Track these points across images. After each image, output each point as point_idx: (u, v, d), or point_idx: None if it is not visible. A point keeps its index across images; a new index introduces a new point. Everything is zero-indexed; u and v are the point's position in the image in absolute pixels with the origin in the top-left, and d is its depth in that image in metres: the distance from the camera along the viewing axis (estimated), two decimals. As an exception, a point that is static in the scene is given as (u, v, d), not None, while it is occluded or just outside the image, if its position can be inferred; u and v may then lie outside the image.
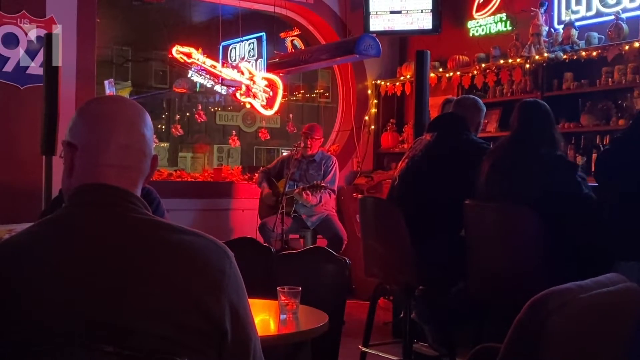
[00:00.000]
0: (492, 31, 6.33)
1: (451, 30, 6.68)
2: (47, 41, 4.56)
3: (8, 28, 5.42)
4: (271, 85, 6.45)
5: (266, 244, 4.00)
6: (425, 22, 6.57)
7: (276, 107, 6.52)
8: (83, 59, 5.75)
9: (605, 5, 5.47)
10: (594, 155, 5.09)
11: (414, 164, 3.94)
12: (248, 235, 3.43)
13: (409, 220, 3.64)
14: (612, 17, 5.31)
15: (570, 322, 1.45)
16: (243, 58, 6.49)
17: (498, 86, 6.17)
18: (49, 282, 1.26)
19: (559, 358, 1.45)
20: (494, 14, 6.33)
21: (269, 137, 7.83)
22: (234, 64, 6.49)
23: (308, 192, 5.70)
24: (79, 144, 1.40)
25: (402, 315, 4.04)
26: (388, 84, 7.20)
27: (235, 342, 1.32)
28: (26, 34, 5.44)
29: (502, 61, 6.04)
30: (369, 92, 7.38)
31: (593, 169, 4.46)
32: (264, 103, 6.46)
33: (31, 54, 5.45)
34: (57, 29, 4.97)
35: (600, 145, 5.25)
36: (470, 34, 6.52)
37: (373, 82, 7.37)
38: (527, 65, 5.78)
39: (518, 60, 5.86)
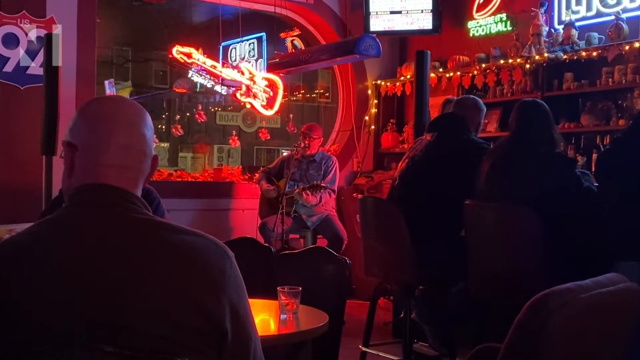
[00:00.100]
0: (492, 31, 6.33)
1: (451, 31, 6.68)
2: (47, 41, 4.56)
3: (8, 28, 5.42)
4: (271, 85, 6.45)
5: (266, 244, 4.00)
6: (425, 22, 6.57)
7: (276, 107, 6.52)
8: (83, 59, 5.76)
9: (605, 5, 5.47)
10: (594, 155, 5.10)
11: (414, 164, 3.94)
12: (248, 235, 3.43)
13: (409, 220, 3.64)
14: (612, 17, 5.31)
15: (570, 322, 1.45)
16: (243, 58, 6.49)
17: (498, 86, 6.17)
18: (49, 282, 1.26)
19: (559, 358, 1.45)
20: (494, 14, 6.33)
21: (269, 137, 7.83)
22: (234, 64, 6.49)
23: (308, 192, 5.70)
24: (79, 144, 1.40)
25: (402, 315, 4.04)
26: (388, 84, 7.20)
27: (236, 342, 1.32)
28: (26, 34, 5.44)
29: (502, 61, 6.04)
30: (369, 92, 7.38)
31: (593, 169, 4.46)
32: (264, 103, 6.46)
33: (31, 54, 5.45)
34: (57, 29, 4.97)
35: (601, 146, 5.25)
36: (471, 34, 6.52)
37: (373, 82, 7.37)
38: (528, 66, 5.78)
39: (518, 60, 5.86)
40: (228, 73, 6.37)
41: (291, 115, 7.76)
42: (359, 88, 7.38)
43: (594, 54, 5.33)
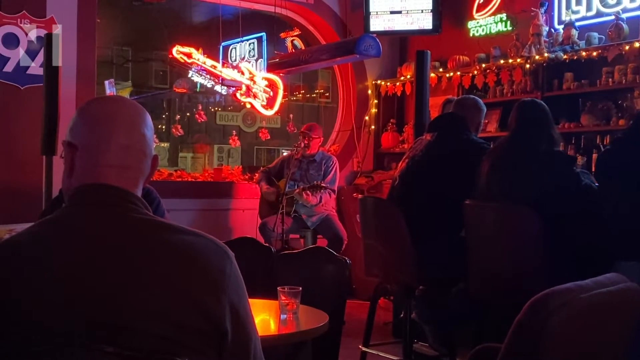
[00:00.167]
0: (493, 31, 6.33)
1: (451, 31, 6.68)
2: (47, 41, 4.56)
3: (8, 28, 5.42)
4: (271, 85, 6.45)
5: (266, 244, 4.00)
6: (425, 22, 6.57)
7: (276, 107, 6.52)
8: (83, 59, 5.76)
9: (605, 5, 5.47)
10: (594, 155, 5.10)
11: (414, 164, 3.94)
12: (248, 235, 3.43)
13: (409, 220, 3.64)
14: (613, 17, 5.31)
15: (570, 322, 1.45)
16: (243, 58, 6.49)
17: (498, 86, 6.17)
18: (49, 282, 1.26)
19: (559, 358, 1.45)
20: (494, 14, 6.33)
21: (269, 137, 7.83)
22: (234, 64, 6.49)
23: (308, 192, 5.70)
24: (79, 144, 1.40)
25: (402, 315, 4.04)
26: (388, 84, 7.20)
27: (236, 342, 1.32)
28: (26, 34, 5.44)
29: (502, 61, 6.04)
30: (369, 92, 7.38)
31: (593, 169, 4.46)
32: (264, 103, 6.46)
33: (31, 54, 5.46)
34: (57, 29, 4.96)
35: (601, 146, 5.25)
36: (471, 34, 6.52)
37: (373, 82, 7.37)
38: (528, 66, 5.78)
39: (518, 60, 5.86)
40: (228, 73, 6.37)
41: (291, 115, 7.76)
42: (359, 88, 7.38)
43: (594, 54, 5.33)
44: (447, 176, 3.79)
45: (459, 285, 3.74)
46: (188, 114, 15.05)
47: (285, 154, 7.11)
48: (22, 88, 5.46)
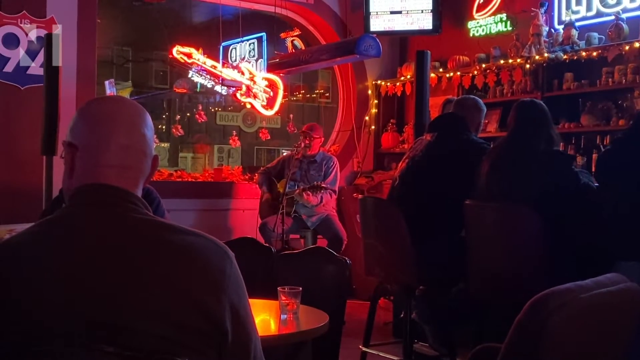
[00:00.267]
0: (493, 31, 6.33)
1: (451, 31, 6.68)
2: (47, 41, 4.56)
3: (8, 28, 5.42)
4: (271, 85, 6.46)
5: (266, 244, 4.01)
6: (425, 22, 6.57)
7: (276, 107, 6.53)
8: (83, 59, 5.76)
9: (605, 5, 5.47)
10: (594, 156, 5.10)
11: (415, 164, 3.94)
12: (248, 236, 3.44)
13: (410, 221, 3.64)
14: (613, 17, 5.31)
15: (571, 322, 1.45)
16: (243, 58, 6.49)
17: (498, 86, 6.17)
18: (49, 282, 1.26)
19: (559, 358, 1.45)
20: (494, 14, 6.33)
21: (269, 138, 7.84)
22: (235, 64, 6.49)
23: (309, 192, 5.70)
24: (79, 144, 1.40)
25: (402, 315, 4.04)
26: (388, 84, 7.20)
27: (236, 342, 1.32)
28: (26, 34, 5.44)
29: (502, 61, 6.05)
30: (370, 92, 7.38)
31: (593, 169, 4.46)
32: (265, 103, 6.46)
33: (31, 54, 5.46)
34: (57, 29, 4.96)
35: (601, 146, 5.25)
36: (471, 34, 6.52)
37: (373, 82, 7.37)
38: (528, 66, 5.78)
39: (518, 60, 5.86)
40: (228, 73, 6.37)
41: (291, 116, 7.76)
42: (359, 88, 7.38)
43: (594, 54, 5.33)
44: (447, 176, 3.79)
45: (459, 285, 3.74)
46: (188, 114, 15.06)
47: (285, 153, 7.11)
48: (22, 88, 5.46)
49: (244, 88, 6.38)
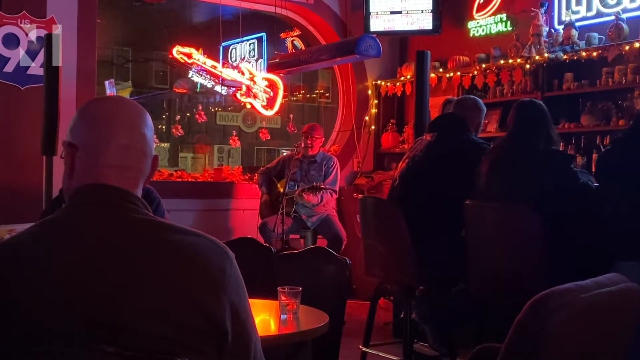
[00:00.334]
0: (493, 31, 6.33)
1: (451, 31, 6.68)
2: (47, 41, 4.56)
3: (8, 28, 5.42)
4: (271, 85, 6.46)
5: (266, 244, 4.01)
6: (425, 22, 6.57)
7: (276, 107, 6.53)
8: (83, 59, 5.76)
9: (605, 5, 5.47)
10: (594, 156, 5.10)
11: (415, 164, 3.94)
12: (248, 236, 3.44)
13: (410, 221, 3.64)
14: (613, 17, 5.31)
15: (571, 322, 1.45)
16: (243, 58, 6.49)
17: (498, 86, 6.17)
18: (49, 282, 1.26)
19: (559, 358, 1.45)
20: (494, 14, 6.33)
21: (269, 138, 7.84)
22: (235, 64, 6.49)
23: (308, 193, 5.71)
24: (79, 144, 1.40)
25: (402, 315, 4.04)
26: (388, 84, 7.20)
27: (236, 342, 1.32)
28: (27, 35, 5.44)
29: (502, 61, 6.05)
30: (370, 92, 7.38)
31: (593, 169, 4.46)
32: (265, 103, 6.46)
33: (32, 54, 5.46)
34: (57, 30, 4.96)
35: (601, 146, 5.25)
36: (471, 34, 6.52)
37: (373, 82, 7.37)
38: (528, 66, 5.78)
39: (518, 60, 5.86)
40: (228, 73, 6.37)
41: (291, 116, 7.77)
42: (359, 88, 7.38)
43: (594, 54, 5.33)
44: (447, 176, 3.79)
45: (459, 286, 3.74)
46: (188, 114, 15.06)
47: (285, 154, 7.11)
48: (22, 88, 5.46)
49: (244, 88, 6.38)
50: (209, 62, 6.32)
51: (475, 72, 6.22)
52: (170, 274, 1.29)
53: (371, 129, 7.37)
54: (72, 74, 5.62)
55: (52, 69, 4.52)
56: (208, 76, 6.31)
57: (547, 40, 5.72)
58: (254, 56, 6.44)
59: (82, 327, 1.23)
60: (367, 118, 7.38)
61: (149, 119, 1.46)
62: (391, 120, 7.32)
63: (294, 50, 6.76)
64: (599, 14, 5.53)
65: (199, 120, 7.30)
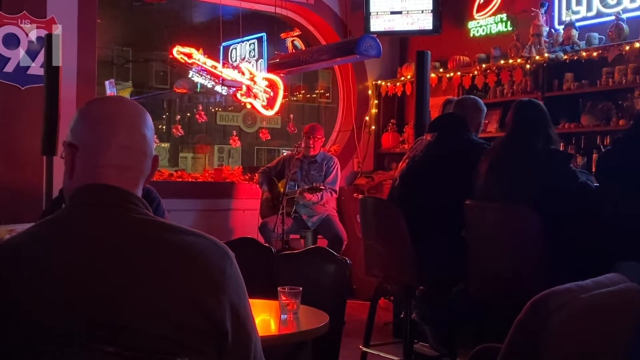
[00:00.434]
0: (493, 31, 6.33)
1: (452, 31, 6.68)
2: (47, 41, 4.56)
3: (9, 28, 5.42)
4: (272, 85, 6.46)
5: (267, 244, 4.01)
6: (425, 22, 6.57)
7: (277, 107, 6.53)
8: (84, 59, 5.76)
9: (605, 5, 5.47)
10: (594, 156, 5.10)
11: (415, 164, 3.94)
12: (249, 236, 3.44)
13: (410, 221, 3.64)
14: (613, 17, 5.31)
15: (571, 322, 1.45)
16: (244, 58, 6.49)
17: (498, 86, 6.17)
18: (49, 282, 1.27)
19: (559, 358, 1.45)
20: (494, 14, 6.33)
21: (269, 138, 7.84)
22: (235, 64, 6.49)
23: (308, 193, 5.72)
24: (79, 144, 1.40)
25: (402, 315, 4.04)
26: (388, 84, 7.20)
27: (236, 342, 1.32)
28: (27, 35, 5.44)
29: (502, 61, 6.05)
30: (370, 92, 7.38)
31: (593, 169, 4.46)
32: (265, 103, 6.46)
33: (32, 54, 5.46)
34: (57, 30, 4.96)
35: (601, 146, 5.25)
36: (471, 35, 6.52)
37: (373, 82, 7.37)
38: (528, 66, 5.78)
39: (518, 60, 5.86)
40: (228, 73, 6.37)
41: (292, 116, 7.77)
42: (360, 88, 7.38)
43: (594, 54, 5.33)
44: (447, 176, 3.79)
45: (459, 286, 3.74)
46: (188, 114, 15.05)
47: (285, 154, 7.11)
48: (22, 88, 5.46)
49: (244, 88, 6.38)
50: (209, 62, 6.32)
51: (476, 72, 6.22)
52: (171, 274, 1.29)
53: (371, 129, 7.37)
54: (72, 74, 5.63)
55: (52, 69, 4.52)
56: (208, 76, 6.31)
57: (547, 40, 5.72)
58: (254, 56, 6.44)
59: (82, 327, 1.23)
60: (367, 118, 7.38)
61: (149, 119, 1.46)
62: (391, 120, 7.32)
63: (294, 51, 6.76)
64: (599, 14, 5.52)
65: (199, 120, 7.30)
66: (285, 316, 2.46)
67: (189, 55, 6.24)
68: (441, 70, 6.64)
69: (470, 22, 6.54)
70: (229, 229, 6.45)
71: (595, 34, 5.46)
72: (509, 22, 6.20)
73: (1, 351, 1.25)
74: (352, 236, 6.05)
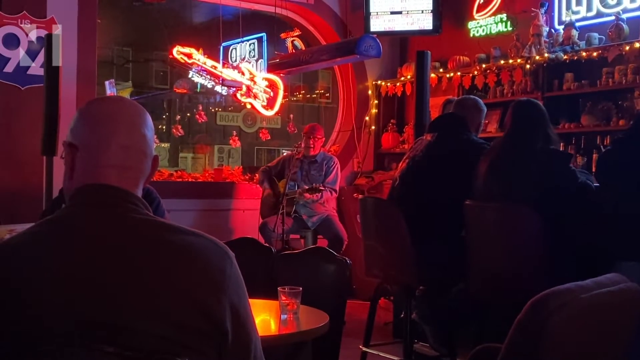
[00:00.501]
0: (493, 32, 6.33)
1: (452, 31, 6.68)
2: (47, 41, 4.56)
3: (9, 29, 5.42)
4: (272, 85, 6.46)
5: (267, 244, 4.01)
6: (425, 22, 6.57)
7: (277, 107, 6.53)
8: (84, 59, 5.76)
9: (605, 5, 5.47)
10: (595, 156, 5.10)
11: (415, 164, 3.94)
12: (249, 236, 3.44)
13: (410, 221, 3.64)
14: (613, 17, 5.31)
15: (571, 322, 1.45)
16: (244, 58, 6.49)
17: (498, 87, 6.17)
18: (49, 282, 1.26)
19: (559, 358, 1.45)
20: (494, 14, 6.33)
21: (269, 138, 7.84)
22: (235, 64, 6.49)
23: (308, 194, 5.72)
24: (79, 144, 1.40)
25: (402, 315, 4.04)
26: (388, 84, 7.20)
27: (236, 342, 1.32)
28: (27, 35, 5.44)
29: (502, 62, 6.05)
30: (370, 92, 7.39)
31: (593, 169, 4.46)
32: (265, 103, 6.46)
33: (32, 54, 5.46)
34: (57, 30, 4.96)
35: (601, 146, 5.25)
36: (471, 35, 6.52)
37: (373, 82, 7.37)
38: (528, 66, 5.78)
39: (518, 60, 5.86)
40: (228, 73, 6.37)
41: (292, 116, 7.77)
42: (360, 88, 7.38)
43: (594, 54, 5.33)
44: (447, 176, 3.79)
45: (459, 286, 3.74)
46: (188, 114, 15.05)
47: (285, 154, 7.11)
48: (22, 88, 5.46)
49: (244, 88, 6.38)
50: (209, 62, 6.32)
51: (476, 72, 6.22)
52: (171, 274, 1.29)
53: (371, 129, 7.37)
54: (73, 74, 5.63)
55: (52, 69, 4.52)
56: (208, 76, 6.32)
57: (547, 40, 5.72)
58: (254, 56, 6.44)
59: (82, 327, 1.23)
60: (367, 118, 7.38)
61: (149, 119, 1.46)
62: (391, 121, 7.32)
63: (294, 51, 6.76)
64: (599, 14, 5.52)
65: (199, 121, 7.30)
66: (285, 316, 2.46)
67: (189, 56, 6.24)
68: (441, 70, 6.64)
69: (470, 22, 6.54)
70: (229, 229, 6.45)
71: (595, 34, 5.46)
72: (509, 22, 6.20)
73: (1, 351, 1.25)
74: (352, 236, 6.05)
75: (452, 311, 3.87)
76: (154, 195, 3.00)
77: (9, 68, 5.42)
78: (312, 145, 5.99)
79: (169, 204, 3.22)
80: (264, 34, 6.42)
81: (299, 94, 15.71)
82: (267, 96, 6.44)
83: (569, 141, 5.48)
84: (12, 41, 5.42)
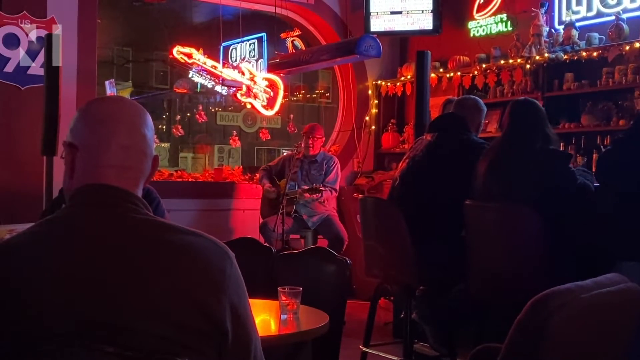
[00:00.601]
0: (493, 31, 6.33)
1: (452, 31, 6.68)
2: (47, 41, 4.56)
3: (9, 28, 5.42)
4: (272, 85, 6.46)
5: (267, 244, 4.01)
6: (425, 22, 6.57)
7: (277, 107, 6.53)
8: (84, 59, 5.76)
9: (605, 5, 5.47)
10: (595, 156, 5.10)
11: (415, 164, 3.94)
12: (249, 236, 3.44)
13: (410, 221, 3.64)
14: (613, 17, 5.31)
15: (571, 322, 1.45)
16: (244, 58, 6.50)
17: (499, 86, 6.17)
18: (49, 282, 1.26)
19: (559, 358, 1.45)
20: (494, 14, 6.33)
21: (269, 138, 7.84)
22: (235, 64, 6.49)
23: (309, 194, 5.73)
24: (79, 144, 1.40)
25: (402, 315, 4.04)
26: (389, 84, 7.20)
27: (236, 342, 1.32)
28: (27, 35, 5.44)
29: (502, 61, 6.05)
30: (370, 92, 7.39)
31: (593, 169, 4.46)
32: (265, 103, 6.47)
33: (32, 54, 5.46)
34: (57, 30, 4.97)
35: (601, 146, 5.25)
36: (471, 35, 6.52)
37: (374, 82, 7.37)
38: (528, 66, 5.78)
39: (519, 60, 5.86)
40: (228, 73, 6.38)
41: (292, 116, 7.77)
42: (360, 88, 7.38)
43: (595, 54, 5.33)
44: (448, 176, 3.79)
45: (460, 286, 3.73)
46: (188, 114, 15.06)
47: (285, 153, 7.12)
48: (22, 88, 5.46)
49: (244, 88, 6.38)
50: (209, 62, 6.32)
51: (476, 72, 6.22)
52: (171, 274, 1.29)
53: (371, 129, 7.37)
54: (73, 74, 5.63)
55: (52, 69, 4.52)
56: (208, 76, 6.32)
57: (547, 40, 5.72)
58: (254, 56, 6.44)
59: (82, 327, 1.23)
60: (367, 118, 7.38)
61: (149, 119, 1.46)
62: (391, 120, 7.32)
63: (294, 51, 6.76)
64: (599, 14, 5.52)
65: (199, 120, 7.31)
66: (285, 316, 2.46)
67: (189, 55, 6.24)
68: (441, 70, 6.64)
69: (470, 22, 6.54)
70: (229, 229, 6.45)
71: (595, 34, 5.46)
72: (509, 22, 6.20)
73: (1, 351, 1.24)
74: (352, 236, 6.05)
75: (452, 311, 3.87)
76: (154, 195, 3.00)
77: (9, 68, 5.42)
78: (311, 145, 5.99)
79: (169, 204, 3.22)
80: (264, 34, 6.42)
81: (299, 94, 15.72)
82: (267, 96, 6.44)
83: (569, 141, 5.48)
84: (12, 41, 5.42)
